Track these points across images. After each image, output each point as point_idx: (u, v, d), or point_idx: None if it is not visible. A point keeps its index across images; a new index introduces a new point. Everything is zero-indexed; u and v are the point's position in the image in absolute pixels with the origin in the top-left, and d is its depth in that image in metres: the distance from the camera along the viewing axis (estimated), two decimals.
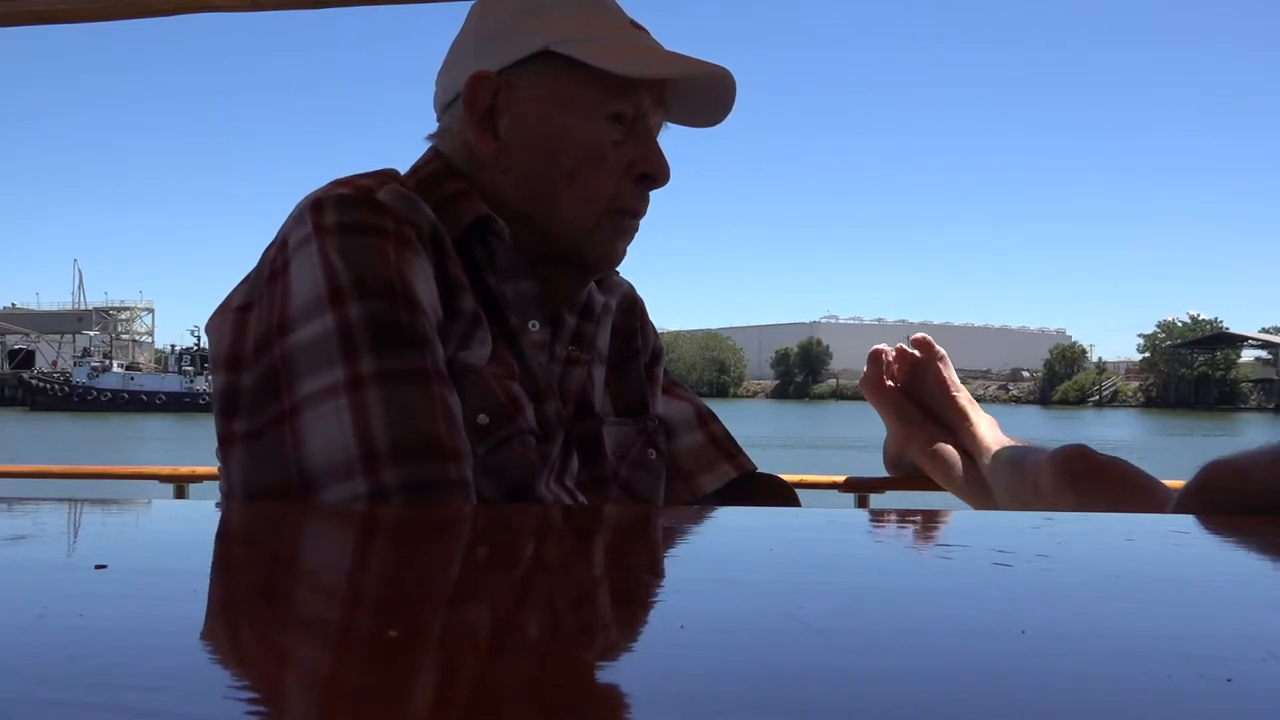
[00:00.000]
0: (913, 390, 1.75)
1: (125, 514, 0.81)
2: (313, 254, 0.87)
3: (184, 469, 2.16)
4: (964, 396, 1.72)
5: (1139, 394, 77.32)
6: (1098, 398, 77.08)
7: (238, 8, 1.84)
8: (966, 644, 0.40)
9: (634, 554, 0.67)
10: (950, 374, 1.74)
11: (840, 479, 1.93)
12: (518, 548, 0.66)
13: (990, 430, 1.65)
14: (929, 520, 0.81)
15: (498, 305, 0.99)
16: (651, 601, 0.49)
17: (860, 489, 1.91)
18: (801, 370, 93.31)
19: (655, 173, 1.02)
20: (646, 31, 1.06)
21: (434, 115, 1.09)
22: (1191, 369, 76.26)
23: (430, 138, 1.08)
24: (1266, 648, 0.39)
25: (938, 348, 1.75)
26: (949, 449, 1.67)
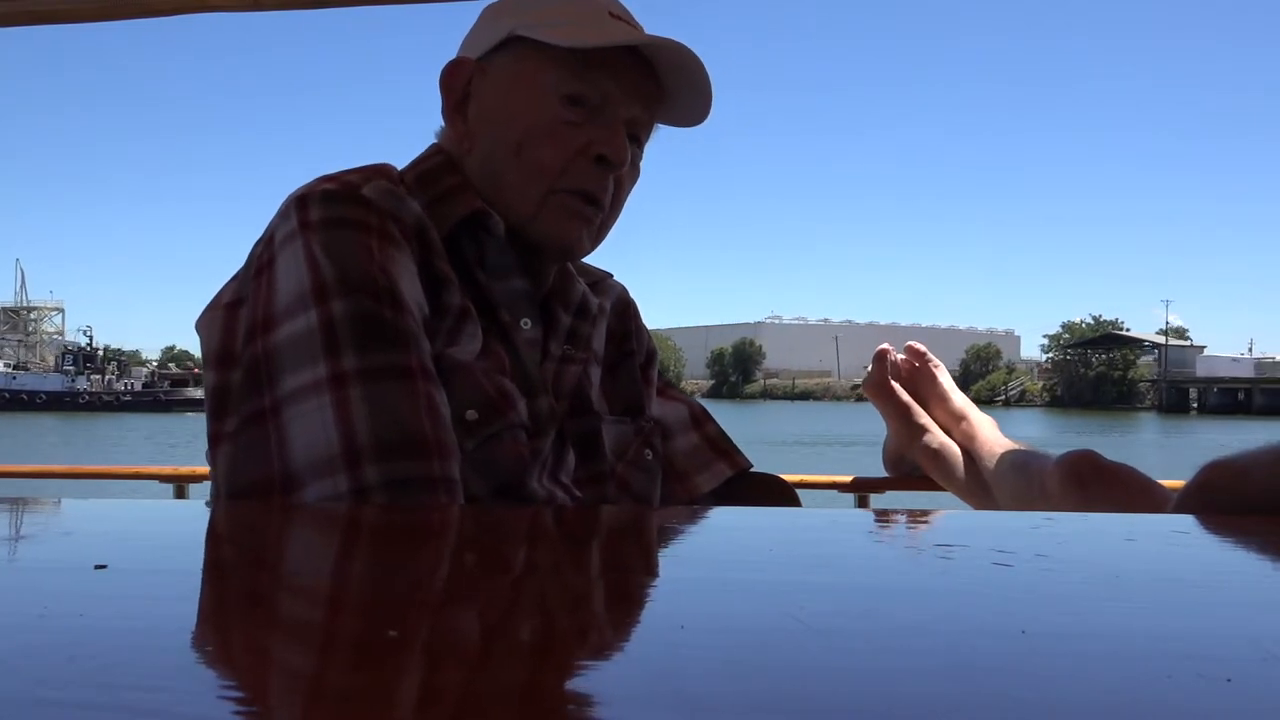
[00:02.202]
0: (911, 394, 1.77)
1: (125, 514, 0.80)
2: (297, 250, 0.87)
3: (184, 469, 2.16)
4: (961, 398, 1.74)
5: (1044, 394, 78.46)
6: (1004, 397, 78.27)
7: (238, 8, 1.84)
8: (966, 644, 0.40)
9: (633, 554, 0.67)
10: (945, 377, 1.77)
11: (841, 479, 1.94)
12: (516, 548, 0.66)
13: (991, 431, 1.66)
14: (929, 520, 0.81)
15: (489, 301, 0.99)
16: (651, 602, 0.49)
17: (861, 489, 1.91)
18: (735, 370, 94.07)
19: (610, 155, 1.00)
20: (630, 24, 1.05)
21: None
22: (1091, 369, 77.82)
23: (438, 134, 1.09)
24: (1266, 648, 0.39)
25: (930, 355, 1.79)
26: (951, 448, 1.68)
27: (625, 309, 1.22)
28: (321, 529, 0.73)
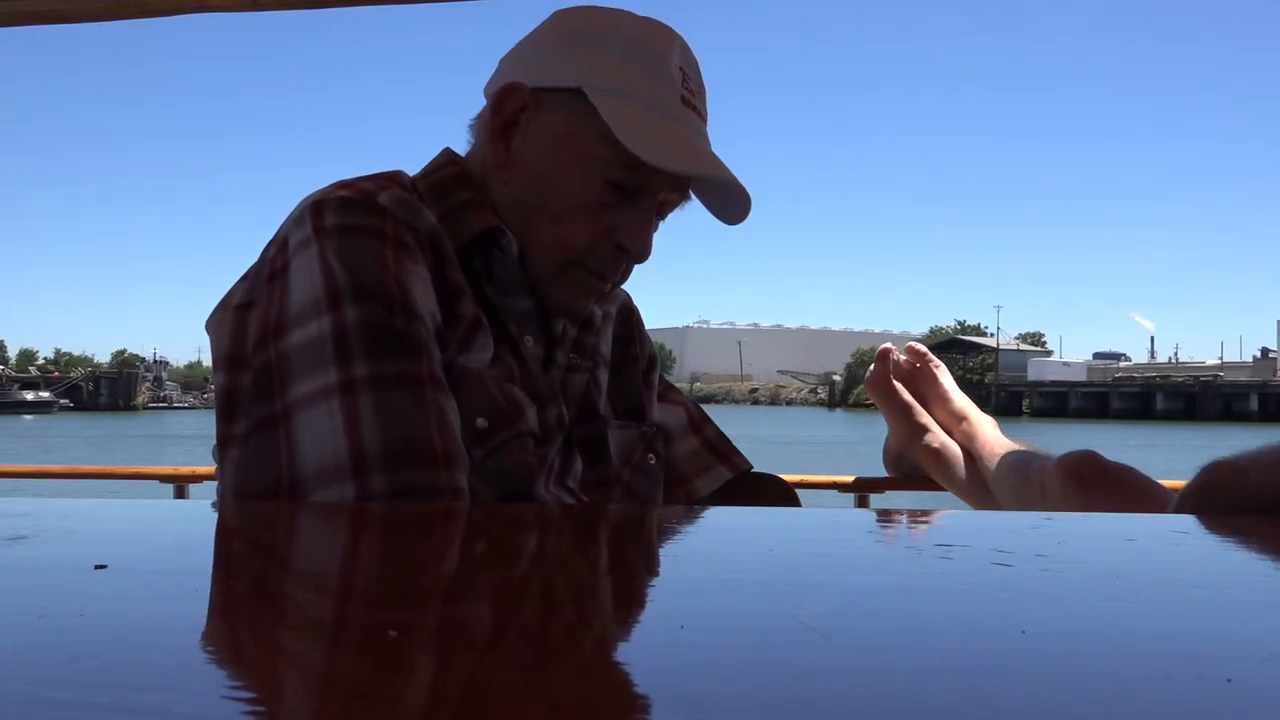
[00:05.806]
0: (912, 393, 1.77)
1: (125, 514, 0.81)
2: (311, 256, 0.87)
3: (184, 469, 2.17)
4: (962, 398, 1.74)
5: None
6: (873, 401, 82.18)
7: (238, 8, 1.84)
8: (966, 644, 0.40)
9: (634, 554, 0.67)
10: (946, 377, 1.77)
11: (842, 479, 1.94)
12: (518, 546, 0.66)
13: (991, 431, 1.66)
14: (929, 520, 0.81)
15: (497, 312, 0.99)
16: (651, 601, 0.49)
17: (861, 489, 1.92)
18: None
19: (633, 249, 1.00)
20: (697, 111, 1.02)
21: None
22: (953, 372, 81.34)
23: (471, 126, 1.07)
24: (1266, 648, 0.39)
25: (931, 356, 1.79)
26: (951, 448, 1.68)
27: (629, 315, 1.22)
28: (323, 527, 0.73)
